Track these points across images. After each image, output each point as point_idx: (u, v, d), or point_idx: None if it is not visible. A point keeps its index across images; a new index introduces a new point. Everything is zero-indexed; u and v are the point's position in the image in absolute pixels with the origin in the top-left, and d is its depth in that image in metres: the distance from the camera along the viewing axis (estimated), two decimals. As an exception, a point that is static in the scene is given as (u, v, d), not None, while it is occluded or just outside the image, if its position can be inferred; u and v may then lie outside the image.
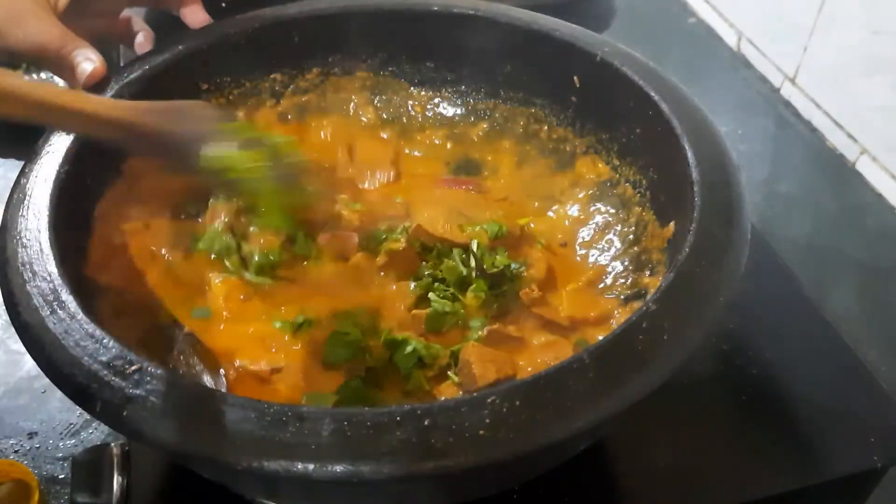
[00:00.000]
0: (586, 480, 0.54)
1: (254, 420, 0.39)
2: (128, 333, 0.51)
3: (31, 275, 0.47)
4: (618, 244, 0.63)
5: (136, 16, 0.70)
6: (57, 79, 0.63)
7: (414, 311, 0.57)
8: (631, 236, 0.62)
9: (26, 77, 0.85)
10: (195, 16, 0.69)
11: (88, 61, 0.59)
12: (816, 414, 0.59)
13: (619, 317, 0.58)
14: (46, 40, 0.59)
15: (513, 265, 0.60)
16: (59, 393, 0.42)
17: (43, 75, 0.85)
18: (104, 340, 0.43)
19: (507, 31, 0.67)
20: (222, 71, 0.68)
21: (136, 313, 0.55)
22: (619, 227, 0.63)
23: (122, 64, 0.67)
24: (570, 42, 0.64)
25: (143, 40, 0.68)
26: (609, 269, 0.62)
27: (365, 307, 0.58)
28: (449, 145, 0.72)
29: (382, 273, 0.60)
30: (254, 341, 0.56)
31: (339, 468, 0.37)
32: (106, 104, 0.54)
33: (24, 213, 0.51)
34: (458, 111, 0.73)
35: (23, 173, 0.54)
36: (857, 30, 0.78)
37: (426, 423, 0.38)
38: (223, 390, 0.51)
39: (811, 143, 0.86)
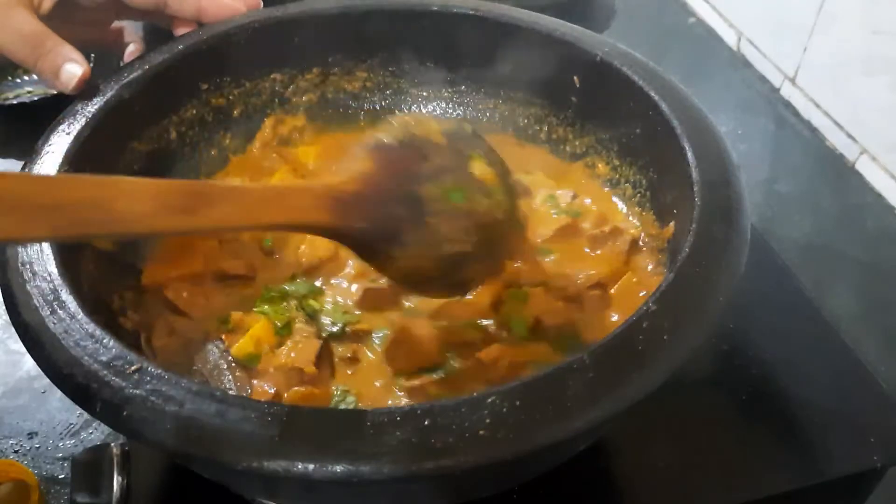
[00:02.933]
0: (586, 480, 0.54)
1: (254, 420, 0.39)
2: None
3: (31, 275, 0.47)
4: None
5: (129, 27, 0.70)
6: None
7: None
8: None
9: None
10: None
11: (73, 63, 0.56)
12: (816, 414, 0.59)
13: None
14: (23, 38, 0.56)
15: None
16: (59, 393, 0.42)
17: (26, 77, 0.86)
18: (104, 340, 0.43)
19: (507, 31, 0.67)
20: (222, 71, 0.67)
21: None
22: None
23: (121, 64, 0.67)
24: (570, 42, 0.64)
25: (133, 51, 0.67)
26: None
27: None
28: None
29: None
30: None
31: (339, 468, 0.37)
32: (306, 213, 0.44)
33: (24, 212, 0.51)
34: (459, 111, 0.73)
35: (24, 171, 0.54)
36: (857, 30, 0.78)
37: (426, 423, 0.38)
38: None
39: (811, 143, 0.86)
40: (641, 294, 0.58)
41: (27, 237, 0.39)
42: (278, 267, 0.60)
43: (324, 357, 0.54)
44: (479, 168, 0.48)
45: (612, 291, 0.58)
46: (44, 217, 0.37)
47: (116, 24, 0.69)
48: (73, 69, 0.57)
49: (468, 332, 0.55)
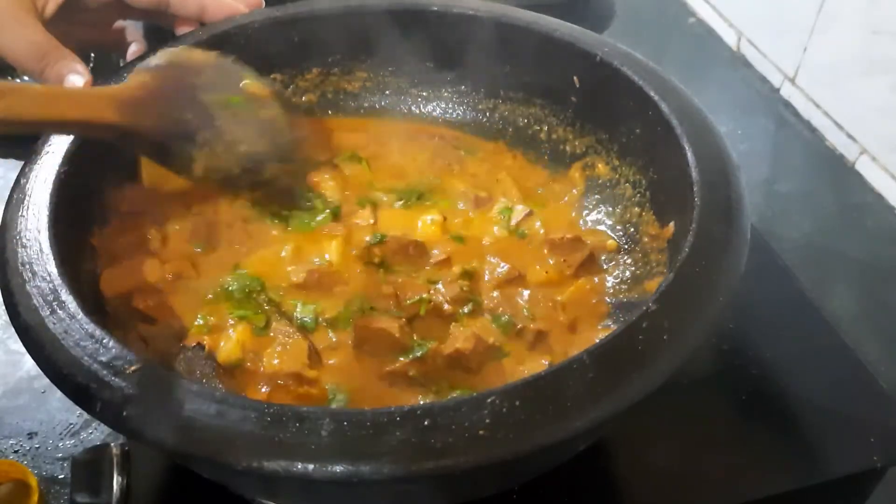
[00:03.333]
0: (586, 480, 0.54)
1: (254, 420, 0.39)
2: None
3: (30, 275, 0.47)
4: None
5: (131, 27, 0.70)
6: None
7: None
8: (631, 237, 0.62)
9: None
10: None
11: (76, 74, 0.57)
12: (816, 414, 0.59)
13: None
14: (29, 48, 0.57)
15: None
16: (58, 393, 0.42)
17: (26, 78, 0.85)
18: (104, 340, 0.43)
19: (506, 31, 0.67)
20: (222, 71, 0.67)
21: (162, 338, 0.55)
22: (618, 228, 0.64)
23: (123, 64, 0.67)
24: (570, 42, 0.64)
25: (135, 50, 0.67)
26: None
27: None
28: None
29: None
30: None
31: (339, 468, 0.37)
32: (95, 109, 0.50)
33: (24, 213, 0.51)
34: (459, 111, 0.73)
35: (23, 173, 0.54)
36: (857, 30, 0.78)
37: (426, 423, 0.38)
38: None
39: (811, 143, 0.86)
40: (594, 301, 0.59)
41: None
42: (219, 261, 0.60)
43: (311, 352, 0.54)
44: (253, 86, 0.55)
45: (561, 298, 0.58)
46: None
47: (118, 24, 0.69)
48: (76, 80, 0.58)
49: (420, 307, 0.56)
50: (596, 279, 0.60)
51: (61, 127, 0.53)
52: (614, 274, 0.61)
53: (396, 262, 0.60)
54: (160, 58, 0.54)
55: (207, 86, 0.53)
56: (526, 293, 0.59)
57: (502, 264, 0.60)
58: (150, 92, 0.51)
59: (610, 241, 0.62)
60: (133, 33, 0.69)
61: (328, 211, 0.63)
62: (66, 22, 0.61)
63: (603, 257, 0.62)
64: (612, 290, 0.60)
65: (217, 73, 0.54)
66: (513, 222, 0.64)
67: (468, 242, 0.62)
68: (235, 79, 0.55)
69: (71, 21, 0.62)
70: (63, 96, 0.51)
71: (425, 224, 0.63)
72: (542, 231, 0.63)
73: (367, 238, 0.61)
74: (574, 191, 0.67)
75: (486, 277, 0.59)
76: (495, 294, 0.58)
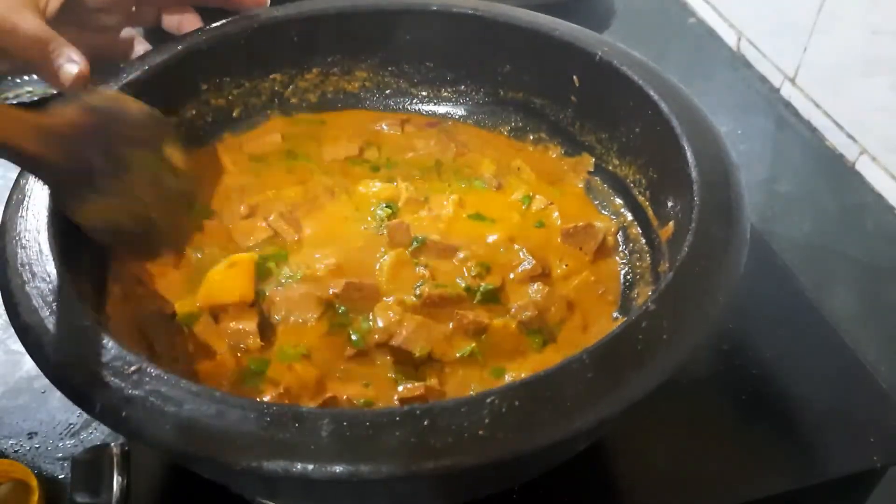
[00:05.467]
0: (586, 480, 0.54)
1: (254, 420, 0.39)
2: None
3: (30, 276, 0.47)
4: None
5: (138, 35, 0.70)
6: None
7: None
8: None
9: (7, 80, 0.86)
10: None
11: (72, 63, 0.57)
12: (816, 414, 0.59)
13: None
14: (31, 38, 0.57)
15: None
16: (58, 393, 0.42)
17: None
18: (104, 340, 0.43)
19: (507, 31, 0.67)
20: (222, 71, 0.68)
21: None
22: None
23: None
24: (570, 42, 0.64)
25: (141, 51, 0.67)
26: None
27: None
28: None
29: None
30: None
31: (338, 468, 0.37)
32: (15, 133, 0.47)
33: (24, 213, 0.51)
34: (459, 111, 0.73)
35: (22, 173, 0.54)
36: (857, 30, 0.78)
37: (426, 423, 0.38)
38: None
39: (811, 143, 0.86)
40: (600, 292, 0.59)
41: None
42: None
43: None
44: (173, 153, 0.55)
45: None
46: None
47: (127, 32, 0.68)
48: (72, 67, 0.58)
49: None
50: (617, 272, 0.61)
51: None
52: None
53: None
54: (98, 98, 0.53)
55: (132, 138, 0.52)
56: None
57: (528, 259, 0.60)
58: (76, 130, 0.49)
59: (609, 236, 0.63)
60: (142, 42, 0.69)
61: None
62: (72, 25, 0.61)
63: (619, 237, 0.63)
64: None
65: (146, 129, 0.54)
66: (533, 209, 0.65)
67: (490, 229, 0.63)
68: (160, 140, 0.55)
69: (75, 24, 0.62)
70: None
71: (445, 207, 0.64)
72: (559, 222, 0.64)
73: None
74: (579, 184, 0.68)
75: (511, 275, 0.59)
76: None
